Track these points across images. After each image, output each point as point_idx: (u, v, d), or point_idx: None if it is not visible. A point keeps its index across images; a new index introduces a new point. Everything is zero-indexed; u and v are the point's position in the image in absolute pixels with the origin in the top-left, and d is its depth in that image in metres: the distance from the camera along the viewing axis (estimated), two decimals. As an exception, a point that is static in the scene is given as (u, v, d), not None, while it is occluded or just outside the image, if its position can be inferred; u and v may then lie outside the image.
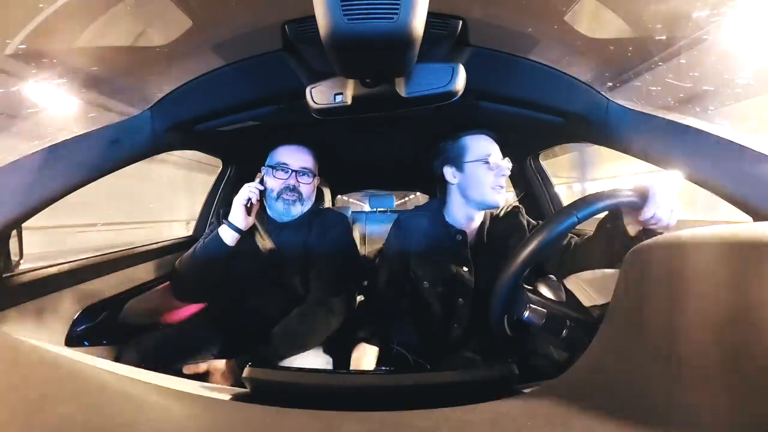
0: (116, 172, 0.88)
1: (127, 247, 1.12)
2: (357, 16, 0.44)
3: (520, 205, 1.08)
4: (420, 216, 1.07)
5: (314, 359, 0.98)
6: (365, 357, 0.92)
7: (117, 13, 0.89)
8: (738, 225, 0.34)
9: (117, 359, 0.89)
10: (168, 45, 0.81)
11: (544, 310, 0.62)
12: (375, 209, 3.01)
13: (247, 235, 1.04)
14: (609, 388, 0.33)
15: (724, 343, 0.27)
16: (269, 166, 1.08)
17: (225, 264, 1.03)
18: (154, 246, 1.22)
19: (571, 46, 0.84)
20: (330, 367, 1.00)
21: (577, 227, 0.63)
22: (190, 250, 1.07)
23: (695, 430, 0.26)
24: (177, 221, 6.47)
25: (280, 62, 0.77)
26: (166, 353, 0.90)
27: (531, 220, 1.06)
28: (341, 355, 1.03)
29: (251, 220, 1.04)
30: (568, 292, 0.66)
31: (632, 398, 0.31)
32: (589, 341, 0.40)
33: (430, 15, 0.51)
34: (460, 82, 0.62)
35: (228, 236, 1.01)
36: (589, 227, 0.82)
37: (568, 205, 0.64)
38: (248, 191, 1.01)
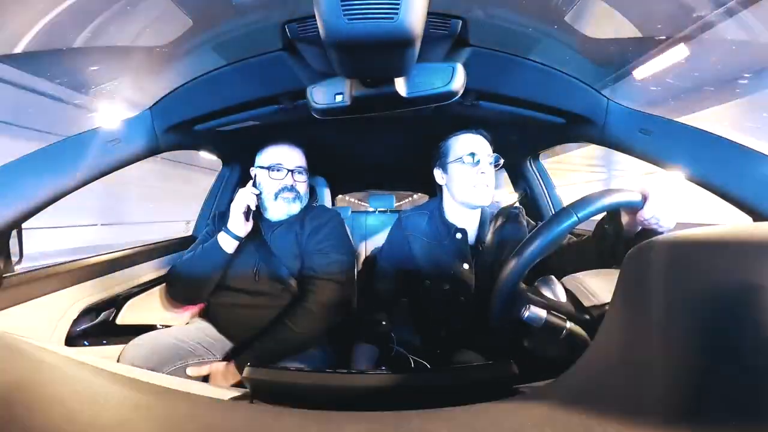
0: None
1: (127, 247, 1.12)
2: (357, 16, 0.44)
3: (520, 206, 1.08)
4: (421, 215, 1.07)
5: (314, 359, 0.98)
6: (365, 357, 0.92)
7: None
8: (738, 225, 0.34)
9: (117, 359, 0.89)
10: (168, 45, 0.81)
11: (544, 310, 0.62)
12: (375, 209, 3.01)
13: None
14: (609, 389, 0.33)
15: (724, 343, 0.27)
16: (263, 167, 1.07)
17: (223, 269, 1.03)
18: (154, 246, 1.22)
19: (571, 46, 0.84)
20: (330, 366, 1.00)
21: (576, 228, 0.63)
22: (187, 256, 1.07)
23: (695, 430, 0.26)
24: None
25: (280, 62, 0.77)
26: (166, 354, 0.90)
27: (531, 220, 1.06)
28: (341, 355, 1.03)
29: (250, 224, 1.03)
30: (568, 292, 0.66)
31: (632, 398, 0.31)
32: (588, 341, 0.40)
33: (430, 15, 0.51)
34: (460, 82, 0.62)
35: (228, 244, 1.01)
36: (587, 227, 0.82)
37: (569, 205, 0.64)
38: (246, 197, 1.00)
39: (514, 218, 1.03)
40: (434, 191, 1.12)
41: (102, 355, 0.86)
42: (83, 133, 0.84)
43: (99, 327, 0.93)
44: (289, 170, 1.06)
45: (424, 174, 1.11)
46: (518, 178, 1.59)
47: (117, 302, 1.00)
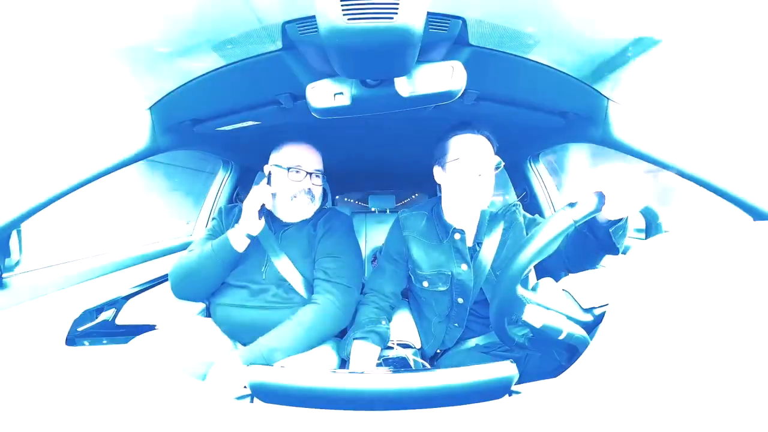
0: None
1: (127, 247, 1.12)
2: (357, 16, 0.44)
3: (519, 203, 1.08)
4: (420, 215, 1.07)
5: (315, 359, 0.98)
6: (365, 357, 0.92)
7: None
8: (737, 225, 0.34)
9: (117, 359, 0.89)
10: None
11: (544, 311, 0.61)
12: (375, 209, 3.00)
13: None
14: (608, 388, 0.33)
15: (724, 343, 0.27)
16: (281, 167, 1.04)
17: (232, 267, 1.02)
18: (154, 246, 1.22)
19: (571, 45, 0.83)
20: (333, 366, 1.00)
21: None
22: (195, 252, 1.03)
23: (694, 430, 0.26)
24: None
25: (280, 62, 0.77)
26: (166, 353, 0.90)
27: (527, 214, 1.05)
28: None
29: (262, 223, 1.01)
30: (567, 292, 0.66)
31: (631, 398, 0.31)
32: (588, 342, 0.40)
33: (430, 15, 0.51)
34: (460, 81, 0.62)
35: (239, 243, 0.99)
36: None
37: (565, 207, 0.63)
38: (261, 196, 0.98)
39: (512, 216, 1.03)
40: (434, 191, 1.12)
41: (102, 355, 0.86)
42: (82, 134, 0.84)
43: (99, 327, 0.93)
44: (308, 173, 1.05)
45: (424, 174, 1.11)
46: (518, 178, 1.59)
47: (117, 302, 1.00)
